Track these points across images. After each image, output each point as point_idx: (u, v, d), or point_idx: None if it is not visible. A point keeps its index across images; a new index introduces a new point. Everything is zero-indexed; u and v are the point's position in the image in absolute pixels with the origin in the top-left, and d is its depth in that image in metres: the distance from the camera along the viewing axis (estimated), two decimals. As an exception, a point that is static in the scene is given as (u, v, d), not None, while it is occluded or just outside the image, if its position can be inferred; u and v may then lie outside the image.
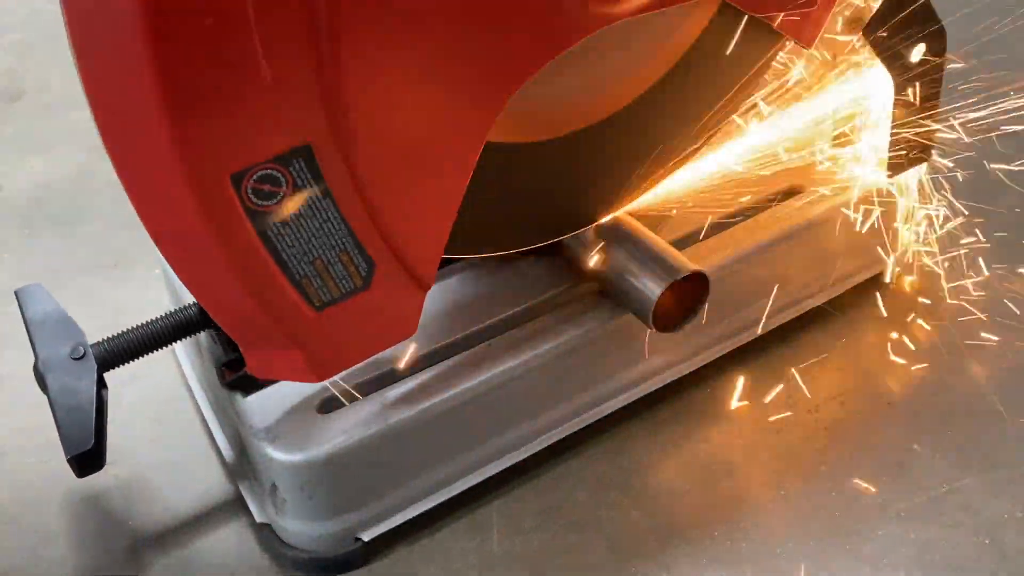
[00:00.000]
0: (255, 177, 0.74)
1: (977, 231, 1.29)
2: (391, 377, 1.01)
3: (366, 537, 1.02)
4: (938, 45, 1.07)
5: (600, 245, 1.05)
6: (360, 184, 0.78)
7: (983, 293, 1.26)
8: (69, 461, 0.92)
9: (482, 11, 0.77)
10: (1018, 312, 1.23)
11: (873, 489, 1.05)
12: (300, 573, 1.03)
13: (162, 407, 1.22)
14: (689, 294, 1.03)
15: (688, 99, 1.03)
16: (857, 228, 1.17)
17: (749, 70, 1.03)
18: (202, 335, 1.05)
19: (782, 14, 0.95)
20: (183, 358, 1.25)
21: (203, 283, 0.82)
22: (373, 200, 0.79)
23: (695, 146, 1.07)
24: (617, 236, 1.04)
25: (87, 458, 0.92)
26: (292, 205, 0.76)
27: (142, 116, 0.69)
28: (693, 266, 1.00)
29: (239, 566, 1.04)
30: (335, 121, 0.74)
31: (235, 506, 1.10)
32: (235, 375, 0.96)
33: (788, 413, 1.14)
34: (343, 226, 0.80)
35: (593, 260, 1.05)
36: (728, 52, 0.99)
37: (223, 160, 0.72)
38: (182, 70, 0.66)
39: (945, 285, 1.26)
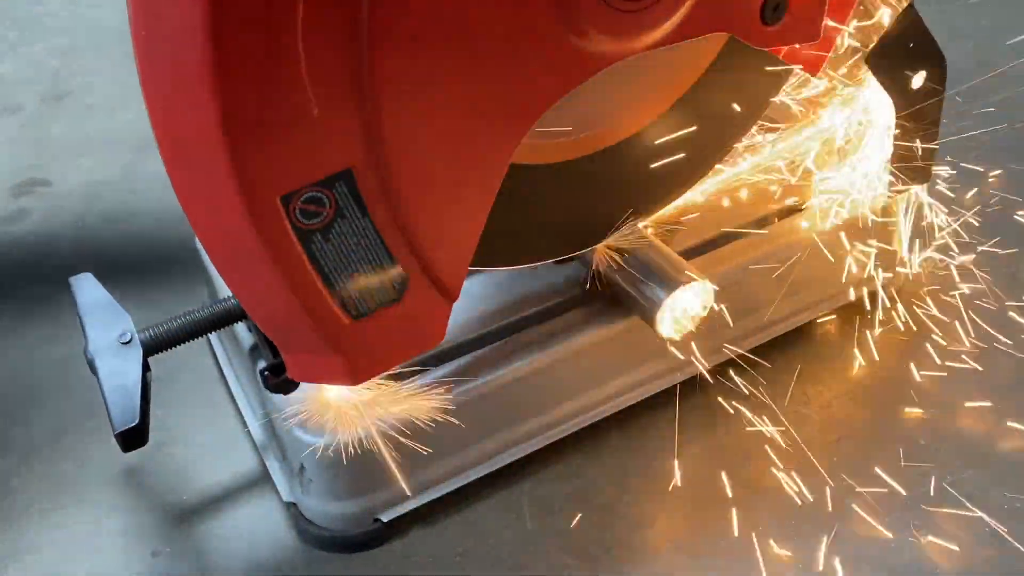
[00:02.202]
0: (302, 199, 0.81)
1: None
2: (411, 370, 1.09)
3: (386, 518, 1.09)
4: (938, 73, 1.13)
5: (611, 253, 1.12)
6: (395, 205, 0.86)
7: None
8: (116, 437, 0.99)
9: (504, 52, 0.84)
10: None
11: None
12: (322, 550, 1.10)
13: (197, 392, 1.30)
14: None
15: (702, 122, 1.10)
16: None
17: (760, 94, 1.10)
18: (242, 334, 1.14)
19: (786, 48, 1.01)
20: (217, 347, 1.33)
21: (251, 294, 0.91)
22: (407, 220, 0.87)
23: (711, 165, 1.13)
24: (628, 245, 1.11)
25: (132, 434, 0.99)
26: (334, 224, 0.84)
27: (203, 146, 0.77)
28: (698, 275, 1.07)
29: (266, 542, 1.12)
30: (374, 149, 0.82)
31: (263, 485, 1.17)
32: (277, 379, 1.04)
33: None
34: (380, 243, 0.87)
35: (604, 267, 1.12)
36: (738, 78, 1.06)
37: (274, 184, 0.80)
38: (240, 106, 0.74)
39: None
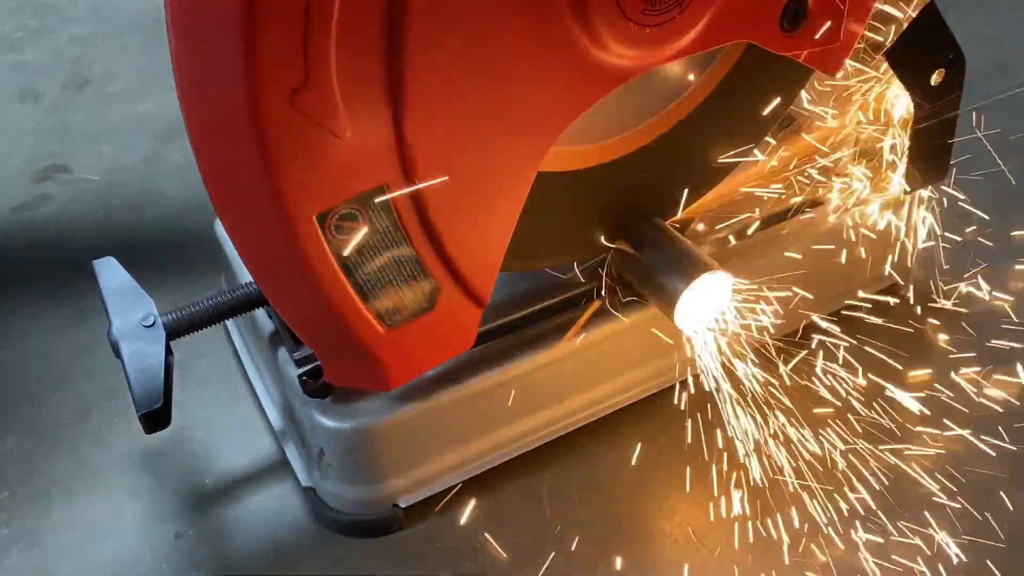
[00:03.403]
0: (337, 216, 0.85)
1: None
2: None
3: (404, 503, 1.10)
4: (957, 70, 1.13)
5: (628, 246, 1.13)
6: (426, 219, 0.89)
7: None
8: (140, 418, 1.00)
9: (529, 67, 0.87)
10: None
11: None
12: (340, 535, 1.11)
13: (216, 378, 1.32)
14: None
15: (723, 124, 1.11)
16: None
17: (778, 96, 1.11)
18: (262, 321, 1.17)
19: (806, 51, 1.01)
20: (235, 334, 1.35)
21: (290, 305, 0.95)
22: (437, 232, 0.90)
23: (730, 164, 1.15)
24: (645, 236, 1.12)
25: (156, 416, 1.00)
26: (368, 239, 0.88)
27: (243, 169, 0.80)
28: (717, 265, 1.08)
29: (284, 525, 1.13)
30: (405, 167, 0.85)
31: (282, 470, 1.19)
32: (316, 383, 1.06)
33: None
34: (412, 255, 0.90)
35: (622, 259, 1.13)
36: (757, 83, 1.07)
37: (311, 203, 0.83)
38: (279, 133, 0.78)
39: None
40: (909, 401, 1.19)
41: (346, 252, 0.87)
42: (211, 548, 1.12)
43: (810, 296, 1.19)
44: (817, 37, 0.98)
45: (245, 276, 1.14)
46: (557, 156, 1.01)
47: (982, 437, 1.16)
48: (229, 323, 1.34)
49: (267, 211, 0.83)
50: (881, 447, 1.15)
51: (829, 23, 0.98)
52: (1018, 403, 1.21)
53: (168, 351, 1.05)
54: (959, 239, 1.34)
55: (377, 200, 0.86)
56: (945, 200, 1.28)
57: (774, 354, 1.17)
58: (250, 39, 0.73)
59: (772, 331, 1.14)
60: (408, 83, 0.80)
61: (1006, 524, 1.08)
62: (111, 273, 1.12)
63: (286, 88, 0.76)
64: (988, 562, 1.05)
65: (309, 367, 1.08)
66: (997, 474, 1.13)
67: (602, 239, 1.12)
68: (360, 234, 0.87)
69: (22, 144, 1.82)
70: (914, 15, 1.07)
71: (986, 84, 1.34)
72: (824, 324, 1.22)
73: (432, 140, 0.85)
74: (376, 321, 0.92)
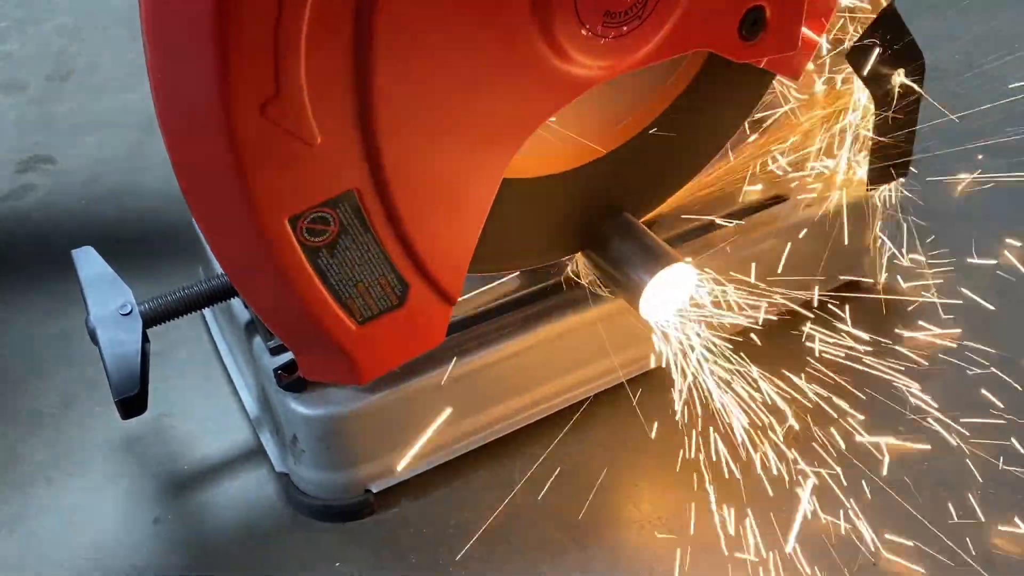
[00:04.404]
0: (309, 219, 0.88)
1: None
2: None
3: (375, 489, 1.13)
4: (917, 70, 1.17)
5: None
6: (396, 220, 0.92)
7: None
8: (116, 404, 1.03)
9: (493, 76, 0.90)
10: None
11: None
12: (315, 519, 1.14)
13: (194, 367, 1.34)
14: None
15: (690, 128, 1.14)
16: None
17: (743, 104, 1.15)
18: (238, 310, 1.19)
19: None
20: (212, 324, 1.37)
21: (264, 304, 0.98)
22: (407, 233, 0.93)
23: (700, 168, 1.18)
24: (611, 229, 1.15)
25: (132, 402, 1.02)
26: (339, 240, 0.91)
27: (217, 176, 0.84)
28: (681, 257, 1.11)
29: (259, 510, 1.16)
30: (374, 171, 0.88)
31: (257, 457, 1.21)
32: (290, 377, 1.09)
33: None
34: (382, 255, 0.94)
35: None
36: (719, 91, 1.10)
37: (283, 207, 0.86)
38: (251, 139, 0.81)
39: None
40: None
41: (318, 253, 0.90)
42: (188, 532, 1.14)
43: (777, 288, 1.23)
44: (775, 45, 1.01)
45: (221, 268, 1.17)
46: (524, 163, 1.04)
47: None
48: (207, 313, 1.37)
49: (240, 216, 0.86)
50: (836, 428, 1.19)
51: (787, 31, 1.00)
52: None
53: (145, 339, 1.07)
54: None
55: (348, 203, 0.89)
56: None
57: (742, 344, 1.19)
58: (222, 51, 0.76)
59: (739, 322, 1.17)
60: (376, 93, 0.84)
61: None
62: (89, 262, 1.14)
63: (257, 99, 0.79)
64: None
65: (284, 360, 1.11)
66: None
67: (569, 244, 1.15)
68: (331, 236, 0.90)
69: (6, 135, 1.84)
70: (873, 18, 1.10)
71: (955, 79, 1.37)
72: (791, 314, 1.25)
73: (400, 146, 0.88)
74: (347, 318, 0.95)
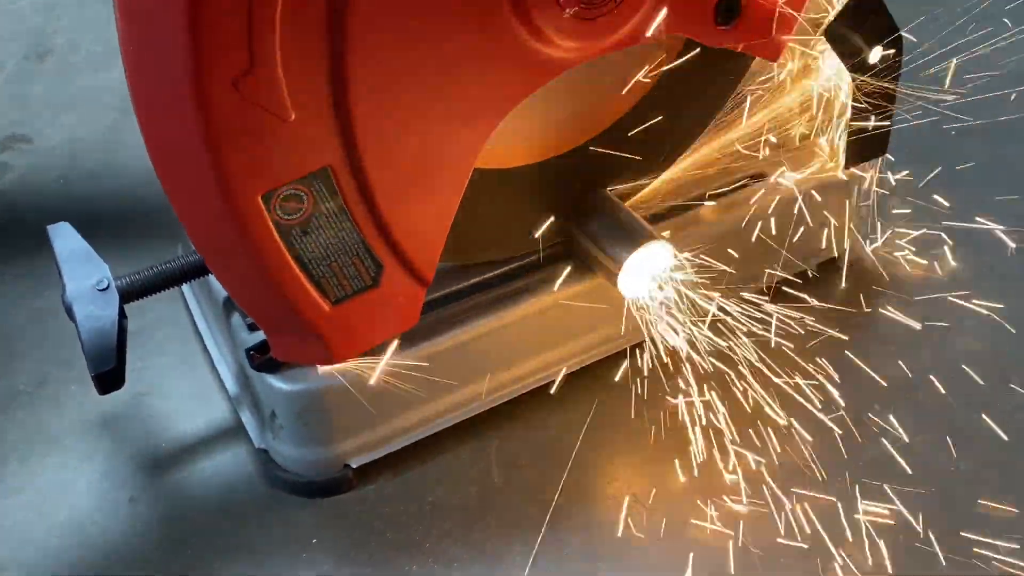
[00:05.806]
0: (282, 196, 0.88)
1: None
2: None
3: (355, 464, 1.13)
4: (895, 47, 1.17)
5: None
6: (370, 199, 0.92)
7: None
8: (93, 379, 1.02)
9: (468, 57, 0.90)
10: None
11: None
12: (293, 495, 1.14)
13: (173, 345, 1.34)
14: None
15: (668, 115, 1.14)
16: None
17: (721, 88, 1.16)
18: (216, 288, 1.18)
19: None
20: (191, 301, 1.37)
21: (237, 283, 0.98)
22: (381, 213, 0.93)
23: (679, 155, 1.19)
24: (589, 206, 1.15)
25: (109, 377, 1.02)
26: (313, 218, 0.90)
27: (187, 151, 0.83)
28: (659, 235, 1.11)
29: (237, 487, 1.16)
30: (348, 150, 0.88)
31: (236, 434, 1.21)
32: (263, 358, 1.09)
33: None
34: (356, 235, 0.93)
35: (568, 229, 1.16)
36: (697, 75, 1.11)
37: (256, 183, 0.86)
38: (220, 113, 0.80)
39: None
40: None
41: (291, 231, 0.90)
42: (165, 510, 1.14)
43: (753, 268, 1.23)
44: (751, 30, 1.01)
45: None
46: (497, 152, 1.04)
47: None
48: (185, 290, 1.36)
49: (212, 192, 0.85)
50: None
51: (763, 15, 1.00)
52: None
53: (122, 314, 1.07)
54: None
55: (322, 181, 0.89)
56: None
57: (719, 323, 1.20)
58: (195, 24, 0.76)
59: (715, 302, 1.18)
60: (351, 68, 0.83)
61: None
62: (65, 238, 1.13)
63: (230, 72, 0.79)
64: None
65: (258, 339, 1.10)
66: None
67: (543, 233, 1.15)
68: (305, 214, 0.90)
69: (-18, 114, 1.82)
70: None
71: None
72: (765, 296, 1.25)
73: (375, 124, 0.88)
74: (320, 298, 0.95)
